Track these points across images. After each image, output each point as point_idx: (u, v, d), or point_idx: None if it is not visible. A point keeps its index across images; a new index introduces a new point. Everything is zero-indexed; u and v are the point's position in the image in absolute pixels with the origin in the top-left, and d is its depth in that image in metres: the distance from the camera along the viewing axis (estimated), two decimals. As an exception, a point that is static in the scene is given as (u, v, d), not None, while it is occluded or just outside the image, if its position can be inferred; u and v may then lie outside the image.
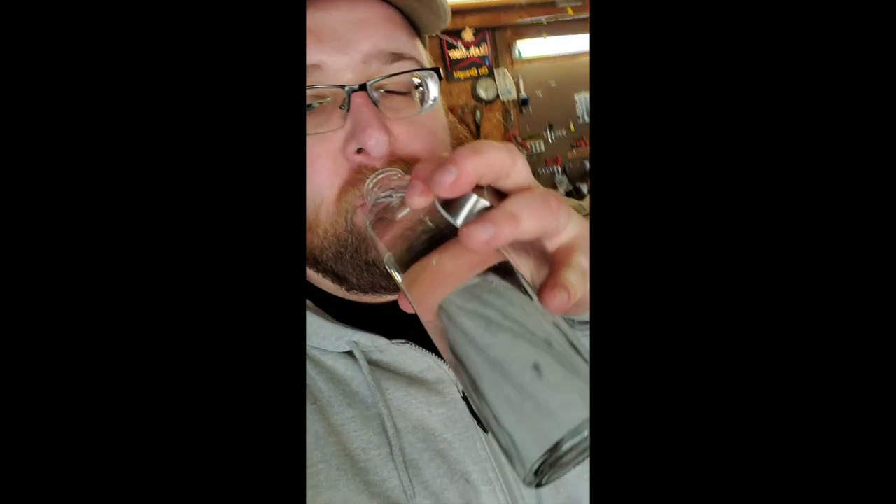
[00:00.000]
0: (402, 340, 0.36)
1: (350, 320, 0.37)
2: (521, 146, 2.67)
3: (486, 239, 0.22)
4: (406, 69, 0.35)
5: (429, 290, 0.24)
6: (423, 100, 0.36)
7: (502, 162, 0.24)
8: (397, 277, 0.26)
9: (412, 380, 0.36)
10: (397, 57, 0.34)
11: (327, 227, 0.34)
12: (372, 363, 0.36)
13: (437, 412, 0.35)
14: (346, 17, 0.33)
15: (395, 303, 0.40)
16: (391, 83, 0.35)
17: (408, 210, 0.26)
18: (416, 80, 0.36)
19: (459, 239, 0.22)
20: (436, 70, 0.37)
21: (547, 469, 0.20)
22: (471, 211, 0.24)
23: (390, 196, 0.28)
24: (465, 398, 0.36)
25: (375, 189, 0.29)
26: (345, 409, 0.35)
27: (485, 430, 0.35)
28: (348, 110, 0.33)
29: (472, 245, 0.22)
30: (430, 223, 0.25)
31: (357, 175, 0.33)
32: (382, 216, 0.28)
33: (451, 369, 0.24)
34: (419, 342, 0.37)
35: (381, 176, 0.30)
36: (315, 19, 0.32)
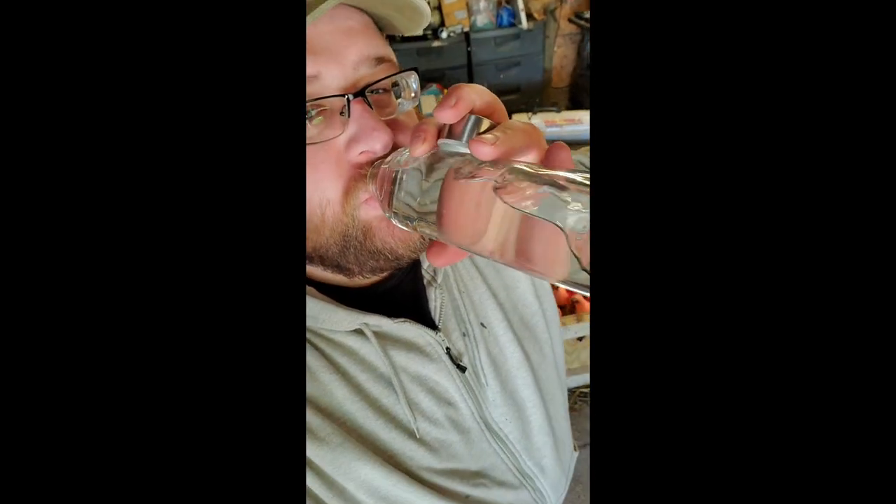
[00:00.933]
0: (402, 319, 0.45)
1: (357, 306, 0.44)
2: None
3: (491, 144, 0.26)
4: (390, 72, 0.38)
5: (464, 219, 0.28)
6: (398, 95, 0.41)
7: (489, 95, 0.30)
8: (433, 233, 0.30)
9: (409, 345, 0.46)
10: (380, 60, 0.38)
11: (333, 225, 0.38)
12: (377, 336, 0.45)
13: (429, 366, 0.46)
14: (331, 28, 0.36)
15: (392, 290, 0.48)
16: (378, 85, 0.38)
17: (415, 170, 0.31)
18: (394, 81, 0.40)
19: (471, 152, 0.27)
20: (415, 69, 0.41)
21: None
22: (473, 128, 0.29)
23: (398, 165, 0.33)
24: (448, 353, 0.47)
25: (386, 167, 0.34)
26: (359, 372, 0.44)
27: (462, 371, 0.48)
28: (349, 116, 0.36)
29: (481, 153, 0.27)
30: (439, 166, 0.30)
31: (360, 173, 0.37)
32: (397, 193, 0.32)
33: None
34: (414, 318, 0.46)
35: (384, 166, 0.34)
36: (307, 34, 0.35)
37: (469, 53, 2.76)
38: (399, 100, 0.41)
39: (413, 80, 0.41)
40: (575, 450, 0.64)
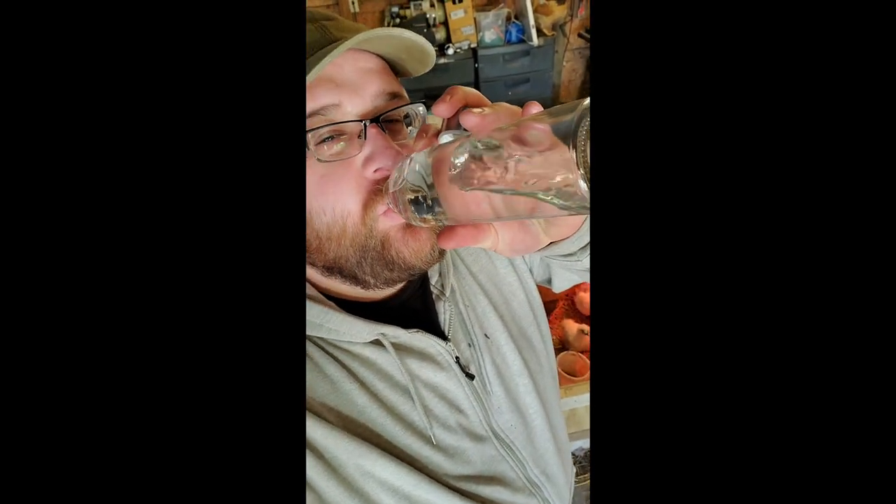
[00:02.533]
0: (415, 329, 0.49)
1: (373, 318, 0.48)
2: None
3: (477, 114, 0.30)
4: (401, 104, 0.44)
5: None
6: (408, 125, 0.46)
7: (478, 94, 0.34)
8: (441, 217, 0.33)
9: (422, 355, 0.50)
10: (394, 95, 0.44)
11: (353, 236, 0.42)
12: (394, 346, 0.48)
13: (440, 374, 0.50)
14: (353, 67, 0.42)
15: (404, 303, 0.53)
16: (392, 115, 0.43)
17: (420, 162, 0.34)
18: (405, 112, 0.45)
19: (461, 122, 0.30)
20: (423, 102, 0.45)
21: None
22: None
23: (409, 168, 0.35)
24: (457, 362, 0.51)
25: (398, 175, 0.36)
26: (377, 381, 0.48)
27: (471, 378, 0.51)
28: (365, 138, 0.41)
29: (467, 122, 0.30)
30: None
31: (377, 188, 0.41)
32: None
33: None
34: (426, 329, 0.50)
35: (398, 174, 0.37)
36: (330, 71, 0.41)
37: (476, 70, 2.75)
38: (410, 128, 0.46)
39: (422, 110, 0.46)
40: (574, 463, 0.66)
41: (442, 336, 0.51)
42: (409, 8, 2.24)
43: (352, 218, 0.42)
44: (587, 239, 0.38)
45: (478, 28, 2.70)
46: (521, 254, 0.36)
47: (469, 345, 0.53)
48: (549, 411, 0.56)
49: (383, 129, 0.42)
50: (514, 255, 0.36)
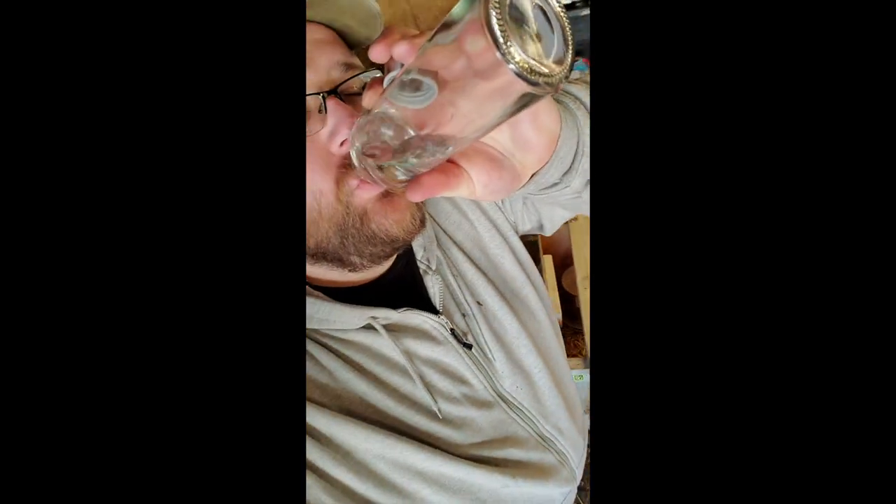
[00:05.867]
0: (405, 308, 0.48)
1: (361, 303, 0.47)
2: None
3: (407, 42, 0.27)
4: (357, 73, 0.42)
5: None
6: None
7: (412, 30, 0.30)
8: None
9: (416, 332, 0.49)
10: (349, 66, 0.43)
11: (330, 216, 0.41)
12: (387, 328, 0.47)
13: (437, 349, 0.49)
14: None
15: (391, 283, 0.52)
16: (349, 86, 0.42)
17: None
18: (363, 83, 0.43)
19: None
20: (381, 68, 0.42)
21: None
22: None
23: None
24: (452, 334, 0.50)
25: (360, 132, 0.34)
26: (375, 366, 0.47)
27: (468, 348, 0.50)
28: (326, 112, 0.39)
29: (399, 54, 0.27)
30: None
31: (347, 161, 0.40)
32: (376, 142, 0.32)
33: None
34: (416, 306, 0.49)
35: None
36: None
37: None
38: None
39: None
40: (585, 412, 0.66)
41: (433, 310, 0.50)
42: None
43: (325, 197, 0.41)
44: (569, 161, 0.35)
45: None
46: (502, 195, 0.34)
47: (463, 315, 0.52)
48: (554, 367, 0.56)
49: (342, 101, 0.41)
50: (494, 197, 0.34)
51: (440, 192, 0.31)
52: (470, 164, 0.32)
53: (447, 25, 0.22)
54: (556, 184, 0.38)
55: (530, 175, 0.35)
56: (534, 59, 0.20)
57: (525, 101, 0.23)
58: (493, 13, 0.19)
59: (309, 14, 0.42)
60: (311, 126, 0.40)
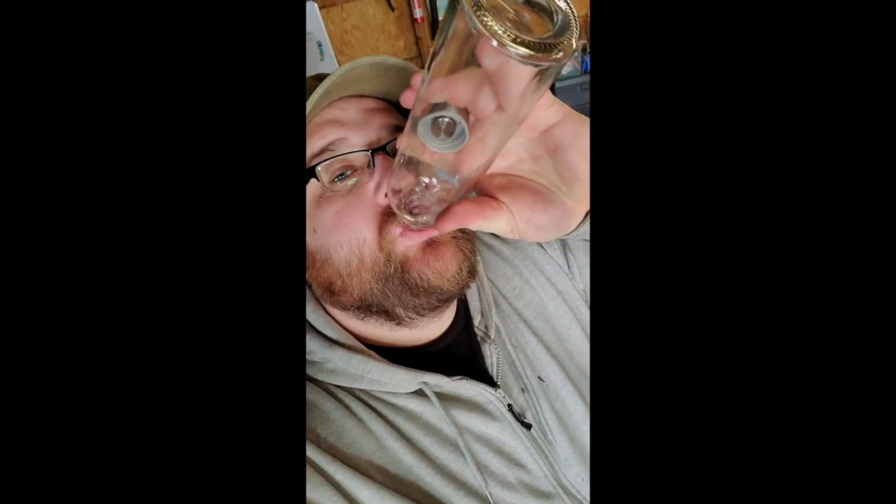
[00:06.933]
0: (459, 377, 0.45)
1: (415, 365, 0.45)
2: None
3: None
4: None
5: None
6: None
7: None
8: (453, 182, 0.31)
9: (470, 405, 0.45)
10: (398, 129, 0.44)
11: (372, 265, 0.41)
12: (438, 396, 0.45)
13: (492, 425, 0.45)
14: (358, 109, 0.44)
15: (446, 348, 0.49)
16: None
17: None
18: None
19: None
20: None
21: None
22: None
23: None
24: (510, 410, 0.45)
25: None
26: (423, 437, 0.44)
27: (528, 428, 0.46)
28: (374, 167, 0.41)
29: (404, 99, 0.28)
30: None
31: (390, 212, 0.40)
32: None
33: None
34: (471, 376, 0.45)
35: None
36: (336, 113, 0.43)
37: (556, 100, 2.78)
38: None
39: None
40: None
41: (490, 382, 0.47)
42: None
43: (368, 245, 0.41)
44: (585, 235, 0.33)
45: (554, 63, 2.74)
46: (551, 234, 0.31)
47: (522, 390, 0.48)
48: None
49: (392, 156, 0.41)
50: (542, 236, 0.31)
51: (472, 221, 0.30)
52: (511, 198, 0.30)
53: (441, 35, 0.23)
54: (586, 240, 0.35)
55: (585, 212, 0.32)
56: (517, 31, 0.20)
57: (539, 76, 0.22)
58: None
59: (364, 87, 0.44)
60: (361, 180, 0.42)
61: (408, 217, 0.35)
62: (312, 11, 1.87)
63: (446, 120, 0.27)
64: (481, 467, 0.44)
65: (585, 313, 0.55)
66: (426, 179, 0.32)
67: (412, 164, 0.32)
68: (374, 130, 0.43)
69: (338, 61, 1.99)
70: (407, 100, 0.29)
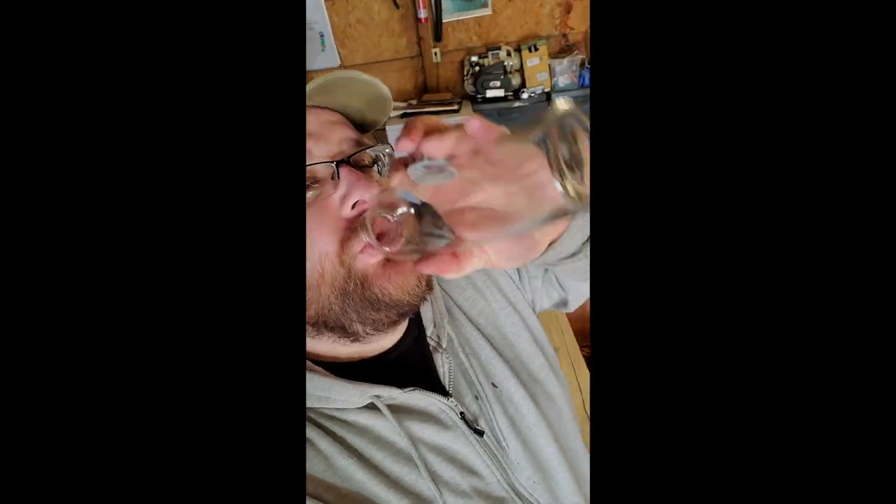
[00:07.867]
0: (411, 388, 0.45)
1: (365, 379, 0.45)
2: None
3: (437, 139, 0.30)
4: (368, 146, 0.44)
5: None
6: (379, 171, 0.46)
7: (435, 120, 0.33)
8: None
9: (423, 415, 0.46)
10: (358, 143, 0.45)
11: (332, 280, 0.41)
12: (391, 408, 0.45)
13: (445, 434, 0.45)
14: (318, 121, 0.44)
15: (398, 359, 0.49)
16: (360, 159, 0.44)
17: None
18: (374, 157, 0.45)
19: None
20: (390, 145, 0.45)
21: None
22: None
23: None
24: (462, 418, 0.46)
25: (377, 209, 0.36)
26: (375, 451, 0.44)
27: (480, 435, 0.46)
28: (338, 179, 0.41)
29: (430, 151, 0.30)
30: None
31: (353, 227, 0.41)
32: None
33: None
34: (424, 386, 0.46)
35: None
36: None
37: (551, 112, 2.78)
38: (380, 176, 0.46)
39: (389, 151, 0.46)
40: None
41: (443, 392, 0.47)
42: (486, 57, 2.33)
43: (329, 259, 0.41)
44: (587, 231, 0.34)
45: (552, 74, 2.73)
46: (519, 263, 0.34)
47: (476, 397, 0.49)
48: (573, 459, 0.51)
49: (354, 168, 0.42)
50: (512, 265, 0.33)
51: (450, 275, 0.32)
52: (484, 234, 0.32)
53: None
54: (575, 253, 0.36)
55: (548, 243, 0.34)
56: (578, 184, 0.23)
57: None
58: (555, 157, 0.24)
59: (323, 100, 0.44)
60: (324, 192, 0.42)
61: (372, 239, 0.36)
62: (317, 1, 1.87)
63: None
64: (435, 477, 0.44)
65: (533, 320, 0.58)
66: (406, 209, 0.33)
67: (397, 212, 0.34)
68: (335, 143, 0.43)
69: (339, 53, 2.00)
70: (406, 147, 0.32)
